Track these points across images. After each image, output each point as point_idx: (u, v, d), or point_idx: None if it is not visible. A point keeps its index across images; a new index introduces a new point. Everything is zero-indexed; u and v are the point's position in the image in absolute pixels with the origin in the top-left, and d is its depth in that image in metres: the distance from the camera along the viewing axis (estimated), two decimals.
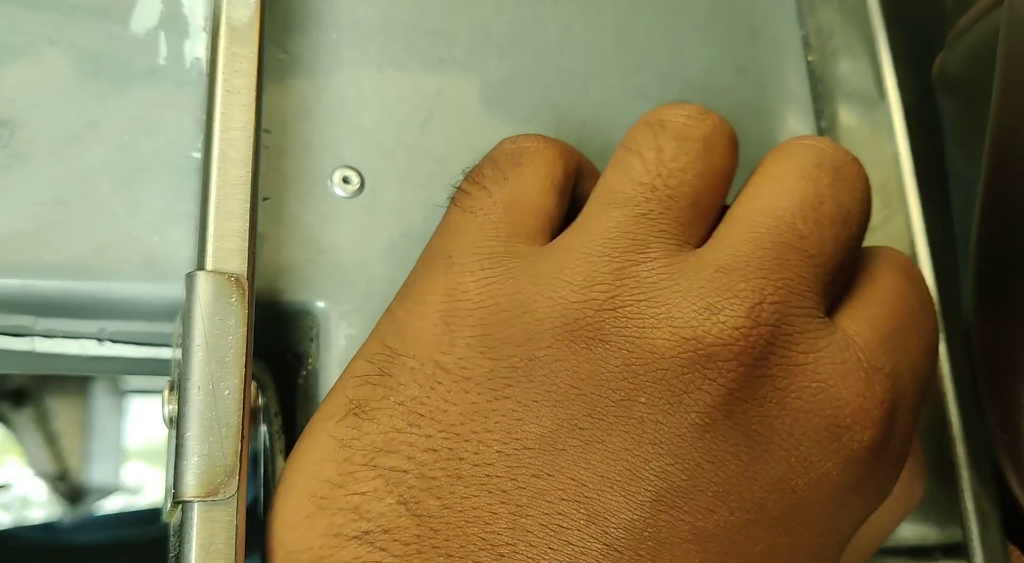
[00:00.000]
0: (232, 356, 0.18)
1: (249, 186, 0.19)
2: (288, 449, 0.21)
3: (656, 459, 0.17)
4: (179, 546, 0.17)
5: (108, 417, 0.79)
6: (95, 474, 0.78)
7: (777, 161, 0.21)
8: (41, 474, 0.76)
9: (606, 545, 0.16)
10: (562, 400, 0.17)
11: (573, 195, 0.21)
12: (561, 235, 0.20)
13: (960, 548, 0.25)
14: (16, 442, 0.75)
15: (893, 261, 0.21)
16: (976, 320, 0.24)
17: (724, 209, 0.21)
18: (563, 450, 0.17)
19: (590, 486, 0.16)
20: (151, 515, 0.79)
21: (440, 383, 0.18)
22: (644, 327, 0.17)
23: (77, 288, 0.20)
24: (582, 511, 0.16)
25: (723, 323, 0.17)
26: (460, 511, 0.16)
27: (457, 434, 0.17)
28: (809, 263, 0.19)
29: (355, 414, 0.18)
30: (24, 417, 0.72)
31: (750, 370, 0.17)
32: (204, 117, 0.20)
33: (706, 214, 0.20)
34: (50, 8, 0.21)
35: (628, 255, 0.18)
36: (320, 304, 0.21)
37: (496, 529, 0.16)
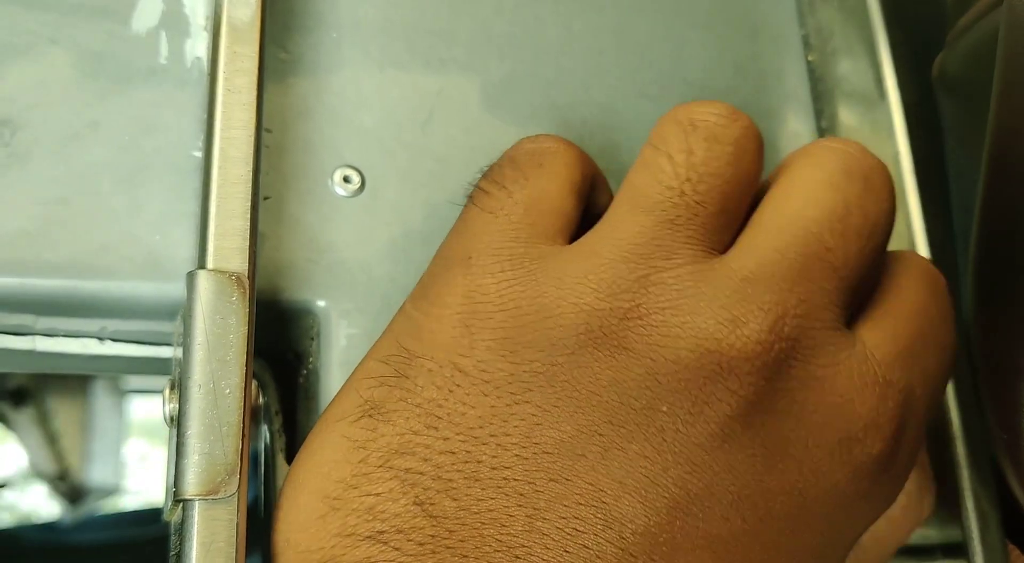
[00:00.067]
0: (233, 355, 0.18)
1: (250, 185, 0.19)
2: (289, 448, 0.21)
3: (675, 467, 0.17)
4: (180, 544, 0.17)
5: (108, 417, 0.79)
6: (95, 474, 0.78)
7: (805, 166, 0.20)
8: (41, 474, 0.76)
9: (622, 550, 0.16)
10: (583, 406, 0.17)
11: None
12: (585, 237, 0.19)
13: (960, 548, 0.25)
14: (16, 441, 0.75)
15: (918, 270, 0.21)
16: (976, 320, 0.24)
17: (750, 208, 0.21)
18: (582, 456, 0.17)
19: (608, 492, 0.17)
20: (151, 515, 0.79)
21: (459, 386, 0.18)
22: (668, 336, 0.17)
23: (78, 287, 0.20)
24: (599, 516, 0.16)
25: (747, 336, 0.18)
26: (476, 513, 0.16)
27: (475, 437, 0.17)
28: (834, 276, 0.19)
29: (370, 415, 0.18)
30: (24, 417, 0.72)
31: (770, 382, 0.18)
32: (205, 116, 0.20)
33: (733, 220, 0.20)
34: (51, 8, 0.21)
35: (653, 262, 0.18)
36: (321, 303, 0.21)
37: (512, 531, 0.16)
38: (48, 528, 0.77)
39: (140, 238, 0.20)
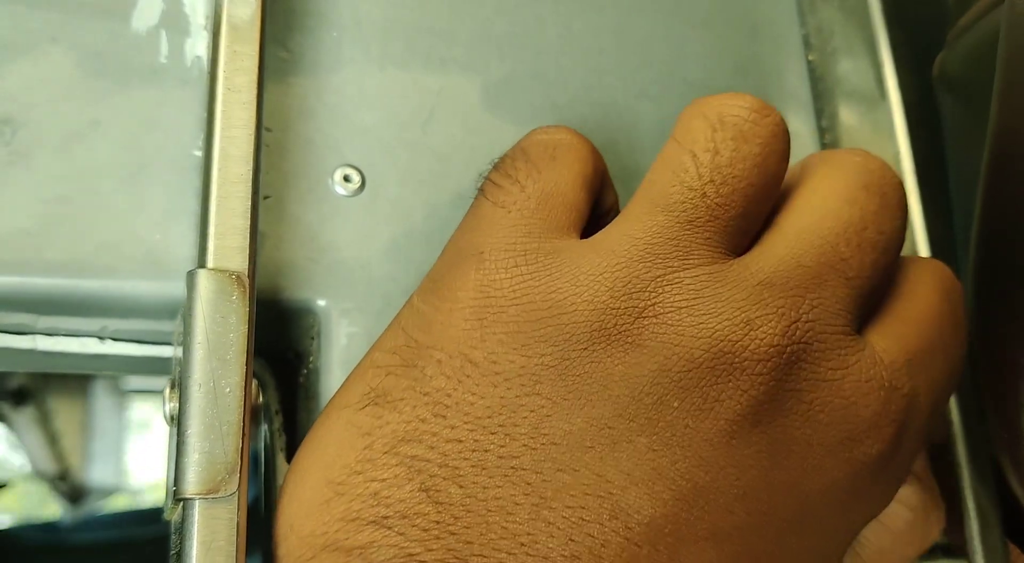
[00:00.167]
0: (233, 354, 0.18)
1: (250, 184, 0.19)
2: (289, 448, 0.21)
3: (683, 461, 0.17)
4: (180, 543, 0.17)
5: (109, 417, 0.79)
6: (96, 474, 0.78)
7: (827, 176, 0.20)
8: (42, 473, 0.76)
9: (627, 539, 0.16)
10: (593, 400, 0.17)
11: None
12: (601, 233, 0.19)
13: (960, 547, 0.25)
14: (17, 441, 0.75)
15: (934, 276, 0.21)
16: (976, 319, 0.24)
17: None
18: (591, 448, 0.17)
19: (615, 483, 0.17)
20: (151, 514, 0.79)
21: (468, 376, 0.18)
22: (683, 335, 0.18)
23: (79, 286, 0.20)
24: (606, 506, 0.17)
25: (760, 339, 0.18)
26: (483, 500, 0.17)
27: (484, 426, 0.17)
28: (847, 285, 0.19)
29: (376, 403, 0.18)
30: (25, 417, 0.72)
31: (780, 383, 0.18)
32: (205, 115, 0.20)
33: (753, 224, 0.20)
34: (52, 7, 0.21)
35: (670, 262, 0.18)
36: (321, 302, 0.21)
37: (518, 519, 0.16)
38: (48, 528, 0.77)
39: (141, 237, 0.20)
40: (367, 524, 0.17)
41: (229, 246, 0.19)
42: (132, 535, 0.75)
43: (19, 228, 0.20)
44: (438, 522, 0.16)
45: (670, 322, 0.18)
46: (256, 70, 0.20)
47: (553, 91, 0.25)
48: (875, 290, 0.20)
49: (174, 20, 0.22)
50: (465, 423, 0.17)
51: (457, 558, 0.16)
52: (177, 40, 0.22)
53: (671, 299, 0.18)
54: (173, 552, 0.17)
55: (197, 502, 0.17)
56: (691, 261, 0.18)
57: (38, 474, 0.77)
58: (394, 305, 0.21)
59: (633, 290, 0.18)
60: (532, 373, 0.18)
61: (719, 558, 0.17)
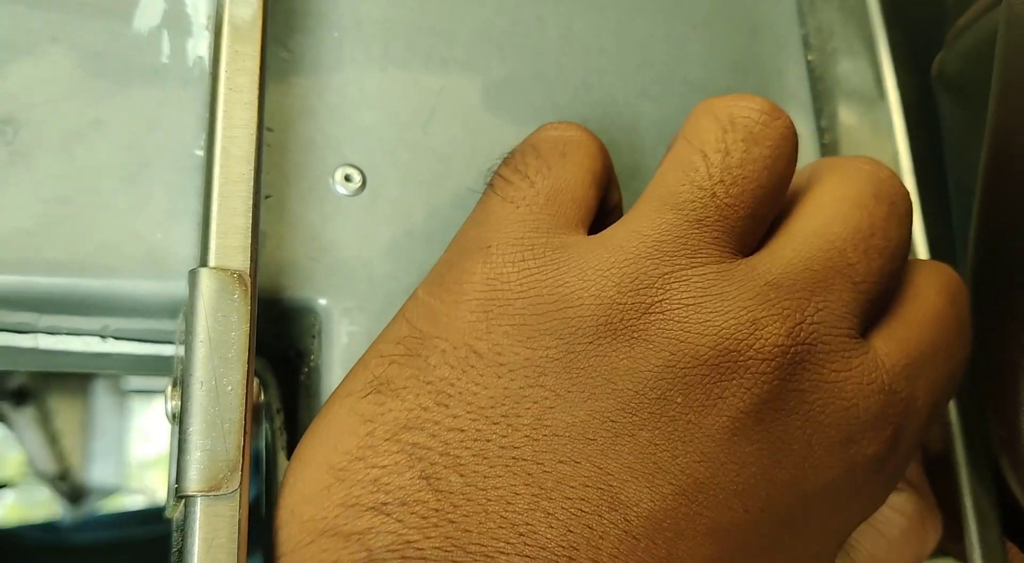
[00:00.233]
0: (235, 352, 0.18)
1: (251, 184, 0.19)
2: (290, 446, 0.21)
3: (684, 456, 0.17)
4: (182, 540, 0.17)
5: (109, 417, 0.79)
6: (96, 474, 0.78)
7: (837, 182, 0.21)
8: (42, 473, 0.76)
9: (625, 532, 0.17)
10: (597, 393, 0.17)
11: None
12: (610, 229, 0.19)
13: (960, 556, 0.25)
14: (17, 441, 0.75)
15: (939, 279, 0.22)
16: (974, 319, 0.24)
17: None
18: (593, 440, 0.17)
19: (616, 475, 0.17)
20: (152, 514, 0.79)
21: (473, 367, 0.18)
22: (689, 332, 0.18)
23: (80, 285, 0.20)
24: (605, 498, 0.17)
25: (765, 339, 0.18)
26: (483, 489, 0.17)
27: (486, 416, 0.17)
28: (853, 289, 0.19)
29: (379, 391, 0.18)
30: (26, 417, 0.72)
31: (784, 383, 0.18)
32: (207, 115, 0.20)
33: (761, 225, 0.20)
34: (53, 7, 0.21)
35: (678, 260, 0.18)
36: (322, 301, 0.21)
37: (517, 509, 0.17)
38: (48, 528, 0.77)
39: (142, 236, 0.20)
40: (366, 510, 0.17)
41: (231, 245, 0.19)
42: (132, 535, 0.75)
43: (20, 227, 0.20)
44: (437, 510, 0.17)
45: (676, 319, 0.18)
46: (257, 70, 0.20)
47: (554, 91, 0.25)
48: (881, 295, 0.20)
49: (176, 20, 0.22)
50: (468, 412, 0.17)
51: (455, 546, 0.16)
52: (179, 40, 0.22)
53: (678, 296, 0.18)
54: (175, 549, 0.18)
55: (199, 499, 0.17)
56: (699, 259, 0.18)
57: (38, 474, 0.77)
58: (395, 304, 0.21)
59: (640, 286, 0.18)
60: (536, 365, 0.18)
61: (716, 553, 0.17)
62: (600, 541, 0.16)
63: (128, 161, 0.21)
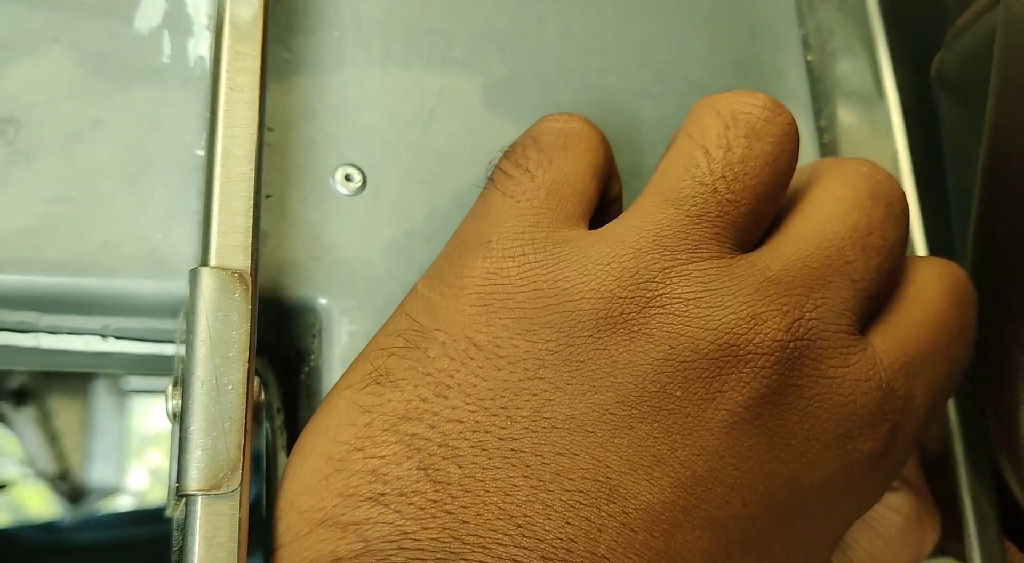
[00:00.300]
0: (235, 351, 0.18)
1: (252, 183, 0.19)
2: (290, 446, 0.21)
3: (683, 449, 0.17)
4: (182, 540, 0.17)
5: (109, 417, 0.79)
6: (96, 474, 0.78)
7: (837, 183, 0.21)
8: (42, 473, 0.76)
9: (623, 524, 0.17)
10: (596, 386, 0.18)
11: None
12: (611, 224, 0.19)
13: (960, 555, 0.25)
14: (17, 441, 0.75)
15: (944, 279, 0.22)
16: None
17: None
18: (592, 433, 0.17)
19: (615, 468, 0.17)
20: (152, 514, 0.79)
21: (472, 359, 0.18)
22: (689, 326, 0.18)
23: (81, 284, 0.20)
24: (603, 490, 0.17)
25: (765, 334, 0.18)
26: (481, 481, 0.17)
27: (485, 408, 0.17)
28: (851, 287, 0.20)
29: (378, 382, 0.18)
30: (25, 417, 0.72)
31: (783, 378, 0.18)
32: (208, 115, 0.20)
33: (761, 221, 0.20)
34: (54, 7, 0.21)
35: (678, 254, 0.18)
36: (323, 301, 0.22)
37: (516, 500, 0.17)
38: (48, 528, 0.78)
39: (143, 236, 0.20)
40: (364, 500, 0.17)
41: (231, 244, 0.19)
42: (132, 535, 0.75)
43: (21, 227, 0.20)
44: (435, 501, 0.17)
45: (677, 313, 0.18)
46: (258, 70, 0.20)
47: (554, 91, 0.25)
48: (878, 293, 0.20)
49: (177, 20, 0.22)
50: (467, 404, 0.17)
51: (453, 537, 0.16)
52: (180, 40, 0.22)
53: (679, 290, 0.18)
54: (175, 548, 0.18)
55: (199, 498, 0.17)
56: (699, 254, 0.18)
57: (38, 474, 0.77)
58: (395, 303, 0.21)
59: (641, 280, 0.18)
60: (536, 358, 0.18)
61: (713, 546, 0.17)
62: (598, 533, 0.16)
63: (129, 161, 0.21)
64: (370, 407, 0.18)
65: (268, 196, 0.22)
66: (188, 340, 0.18)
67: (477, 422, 0.17)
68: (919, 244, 0.27)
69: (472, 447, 0.17)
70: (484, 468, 0.17)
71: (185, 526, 0.17)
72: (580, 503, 0.17)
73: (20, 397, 0.71)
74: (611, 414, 0.17)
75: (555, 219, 0.19)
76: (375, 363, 0.19)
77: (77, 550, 0.73)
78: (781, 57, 0.28)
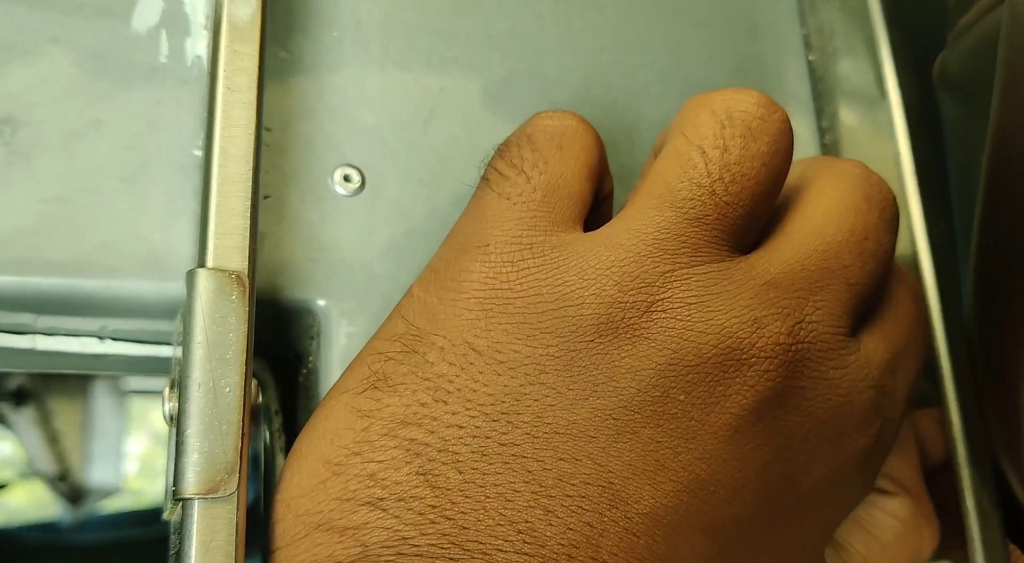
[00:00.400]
0: (233, 353, 0.18)
1: (250, 184, 0.19)
2: (288, 448, 0.21)
3: (686, 453, 0.17)
4: (179, 543, 0.17)
5: (109, 417, 0.79)
6: (96, 474, 0.78)
7: (832, 186, 0.21)
8: (42, 474, 0.76)
9: (625, 529, 0.17)
10: (598, 391, 0.17)
11: None
12: (608, 226, 0.19)
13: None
14: (17, 442, 0.75)
15: (909, 284, 0.23)
16: (976, 320, 0.24)
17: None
18: (594, 438, 0.17)
19: (617, 473, 0.17)
20: (151, 515, 0.79)
21: (472, 364, 0.18)
22: (692, 330, 0.18)
23: (79, 285, 0.20)
24: (606, 495, 0.17)
25: (767, 337, 0.18)
26: (482, 486, 0.17)
27: (486, 414, 0.17)
28: (848, 290, 0.20)
29: (376, 387, 0.18)
30: (25, 417, 0.72)
31: (785, 380, 0.18)
32: (205, 115, 0.20)
33: (758, 223, 0.20)
34: (53, 7, 0.21)
35: (678, 258, 0.18)
36: (321, 302, 0.21)
37: (517, 506, 0.16)
38: (48, 528, 0.77)
39: (141, 236, 0.20)
40: (362, 505, 0.17)
41: (229, 246, 0.19)
42: (132, 535, 0.75)
43: (19, 227, 0.20)
44: (434, 506, 0.16)
45: (679, 317, 0.18)
46: (256, 70, 0.20)
47: (554, 90, 0.25)
48: (870, 296, 0.21)
49: (174, 20, 0.22)
50: (467, 409, 0.17)
51: (452, 543, 0.16)
52: (177, 40, 0.22)
53: (680, 294, 0.18)
54: (172, 552, 0.17)
55: (196, 502, 0.17)
56: (699, 258, 0.18)
57: (38, 474, 0.77)
58: (394, 305, 0.21)
59: (641, 285, 0.18)
60: (537, 363, 0.18)
61: (715, 548, 0.18)
62: (600, 539, 0.16)
63: (127, 161, 0.21)
64: (368, 412, 0.18)
65: (266, 197, 0.21)
66: (185, 342, 0.18)
67: (477, 427, 0.17)
68: (921, 244, 0.27)
69: (472, 452, 0.17)
70: (484, 473, 0.17)
71: (182, 530, 0.17)
72: (582, 508, 0.17)
73: (19, 398, 0.71)
74: (613, 419, 0.17)
75: (552, 222, 0.19)
76: (373, 367, 0.18)
77: (77, 550, 0.73)
78: (782, 57, 0.28)
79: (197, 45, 0.22)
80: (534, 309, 0.18)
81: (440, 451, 0.17)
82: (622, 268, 0.18)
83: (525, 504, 0.16)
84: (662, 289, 0.18)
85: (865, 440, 0.20)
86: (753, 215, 0.19)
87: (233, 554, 0.17)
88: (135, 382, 0.80)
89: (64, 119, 0.21)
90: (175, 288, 0.20)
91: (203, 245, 0.19)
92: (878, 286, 0.21)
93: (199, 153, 0.21)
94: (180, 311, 0.19)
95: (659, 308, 0.18)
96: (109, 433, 0.79)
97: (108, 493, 0.82)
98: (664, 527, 0.17)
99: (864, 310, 0.21)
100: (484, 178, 0.20)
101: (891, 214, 0.21)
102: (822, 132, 0.28)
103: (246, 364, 0.18)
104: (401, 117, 0.23)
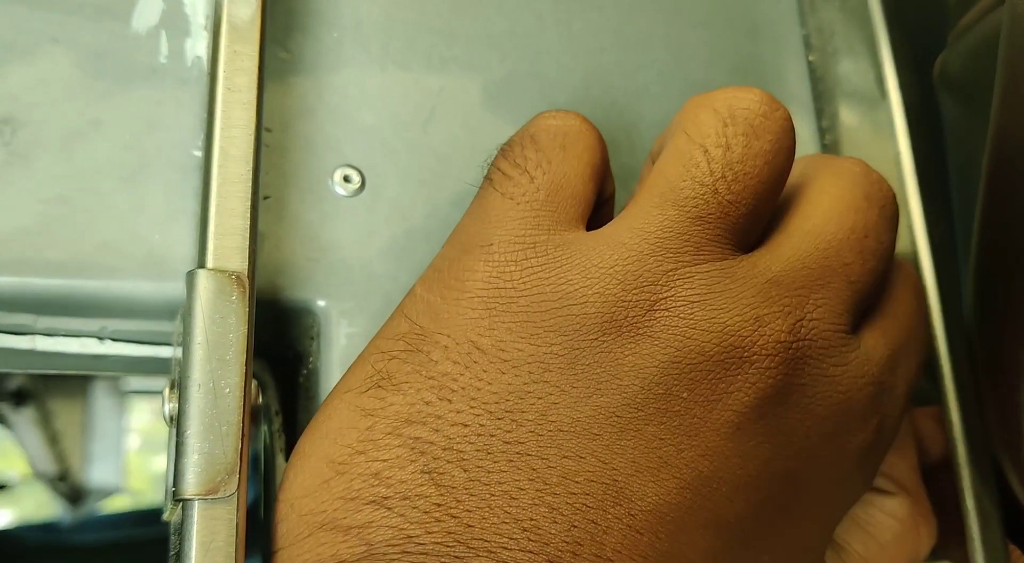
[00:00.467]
0: (232, 354, 0.18)
1: (250, 184, 0.19)
2: (288, 448, 0.21)
3: (689, 450, 0.18)
4: (179, 544, 0.17)
5: (109, 417, 0.79)
6: (96, 474, 0.78)
7: (833, 184, 0.21)
8: (42, 474, 0.76)
9: (629, 526, 0.17)
10: (602, 389, 0.18)
11: None
12: (611, 226, 0.19)
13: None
14: (17, 442, 0.75)
15: (910, 281, 0.23)
16: (976, 320, 0.24)
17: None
18: (598, 435, 0.17)
19: (621, 470, 0.17)
20: (151, 515, 0.79)
21: (476, 362, 0.18)
22: (695, 328, 0.18)
23: (78, 286, 0.20)
24: (610, 493, 0.17)
25: (769, 335, 0.18)
26: (486, 484, 0.17)
27: (490, 412, 0.17)
28: (849, 288, 0.20)
29: (380, 386, 0.18)
30: (25, 417, 0.72)
31: (787, 378, 0.19)
32: (205, 115, 0.20)
33: (760, 221, 0.20)
34: (53, 7, 0.21)
35: (681, 257, 0.18)
36: (321, 302, 0.21)
37: (521, 504, 0.17)
38: (48, 528, 0.78)
39: (141, 237, 0.20)
40: (366, 504, 0.17)
41: (229, 246, 0.19)
42: (132, 535, 0.75)
43: (19, 228, 0.20)
44: (439, 504, 0.17)
45: (682, 315, 0.18)
46: (256, 70, 0.20)
47: (554, 90, 0.25)
48: (870, 294, 0.21)
49: (174, 20, 0.22)
50: (471, 408, 0.17)
51: (457, 541, 0.16)
52: (177, 40, 0.22)
53: (683, 293, 0.18)
54: (172, 553, 0.17)
55: (196, 503, 0.17)
56: (702, 256, 0.19)
57: (38, 474, 0.77)
58: (394, 305, 0.21)
59: (644, 283, 0.18)
60: (541, 361, 0.18)
61: (717, 545, 0.18)
62: (604, 536, 0.16)
63: (127, 161, 0.21)
64: (372, 411, 0.18)
65: (266, 197, 0.21)
66: (185, 343, 0.18)
67: (482, 426, 0.17)
68: (921, 244, 0.27)
69: (477, 451, 0.17)
70: (489, 472, 0.17)
71: (182, 530, 0.17)
72: (586, 506, 0.17)
73: (20, 398, 0.71)
74: (617, 417, 0.17)
75: (555, 221, 0.19)
76: (376, 366, 0.18)
77: (77, 550, 0.73)
78: (782, 57, 0.28)
79: (197, 45, 0.22)
80: (538, 308, 0.18)
81: (445, 449, 0.17)
82: (625, 267, 0.18)
83: (530, 502, 0.17)
84: (665, 288, 0.18)
85: (865, 436, 0.20)
86: (755, 213, 0.19)
87: (233, 555, 0.17)
88: (135, 382, 0.80)
89: (64, 119, 0.21)
90: (175, 288, 0.20)
91: (203, 245, 0.18)
92: (879, 283, 0.21)
93: (199, 153, 0.21)
94: (180, 312, 0.19)
95: (662, 306, 0.18)
96: (109, 433, 0.79)
97: (108, 493, 0.82)
98: (667, 524, 0.17)
99: (864, 307, 0.21)
100: (487, 178, 0.20)
101: (891, 212, 0.21)
102: (822, 132, 0.28)
103: (246, 365, 0.18)
104: (401, 117, 0.23)
